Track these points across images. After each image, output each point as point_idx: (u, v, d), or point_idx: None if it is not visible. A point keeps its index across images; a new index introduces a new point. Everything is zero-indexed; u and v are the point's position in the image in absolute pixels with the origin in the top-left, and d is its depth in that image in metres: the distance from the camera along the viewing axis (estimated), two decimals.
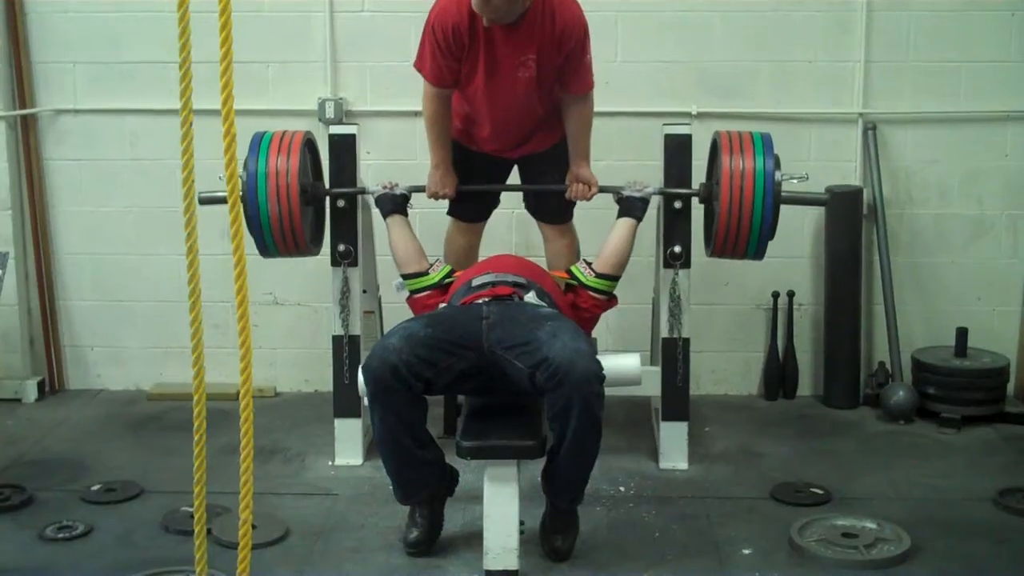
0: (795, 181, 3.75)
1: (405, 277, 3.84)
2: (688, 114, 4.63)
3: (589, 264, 3.79)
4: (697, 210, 3.98)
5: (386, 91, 4.70)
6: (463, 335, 3.24)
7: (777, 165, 3.68)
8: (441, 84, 3.80)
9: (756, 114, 4.68)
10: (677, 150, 3.92)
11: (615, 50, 4.67)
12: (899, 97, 4.72)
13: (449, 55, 3.71)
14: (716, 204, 3.75)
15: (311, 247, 3.99)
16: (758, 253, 3.78)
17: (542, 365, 3.06)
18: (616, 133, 4.65)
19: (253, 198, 3.74)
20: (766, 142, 3.74)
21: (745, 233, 3.70)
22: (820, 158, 4.70)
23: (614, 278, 3.77)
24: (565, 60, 3.75)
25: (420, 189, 4.00)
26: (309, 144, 3.98)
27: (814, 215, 4.77)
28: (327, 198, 4.04)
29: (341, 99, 4.73)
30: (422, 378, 3.16)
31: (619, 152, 4.63)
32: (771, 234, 3.71)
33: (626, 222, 3.85)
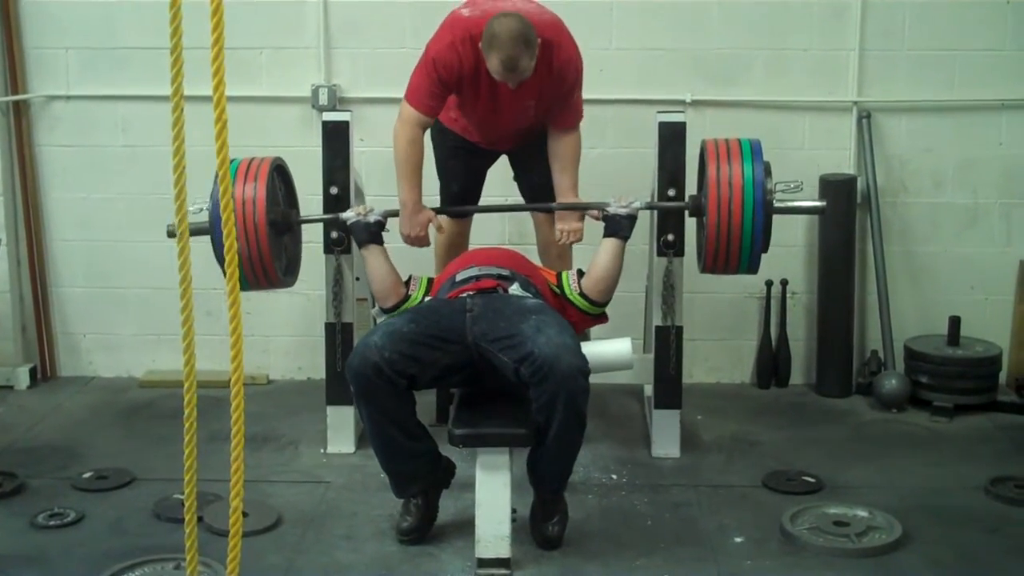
0: (788, 189, 3.59)
1: (385, 311, 3.71)
2: (682, 102, 4.61)
3: (581, 276, 3.70)
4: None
5: (380, 78, 4.67)
6: (447, 329, 3.23)
7: (768, 173, 3.53)
8: (430, 115, 3.75)
9: (750, 102, 4.67)
10: (671, 138, 3.88)
11: (609, 37, 4.65)
12: (893, 85, 4.71)
13: (447, 92, 3.71)
14: (705, 218, 3.61)
15: (284, 279, 3.81)
16: (751, 268, 3.63)
17: (527, 359, 3.05)
18: (610, 120, 4.64)
19: (219, 232, 3.37)
20: (755, 149, 3.55)
21: (736, 248, 3.53)
22: (814, 146, 4.70)
23: (602, 304, 3.69)
24: (556, 95, 3.75)
25: (395, 213, 3.82)
26: (279, 170, 3.80)
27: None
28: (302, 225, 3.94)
29: (335, 86, 4.71)
30: (406, 374, 3.15)
31: (612, 140, 4.62)
32: (764, 247, 3.55)
33: (612, 242, 3.67)
